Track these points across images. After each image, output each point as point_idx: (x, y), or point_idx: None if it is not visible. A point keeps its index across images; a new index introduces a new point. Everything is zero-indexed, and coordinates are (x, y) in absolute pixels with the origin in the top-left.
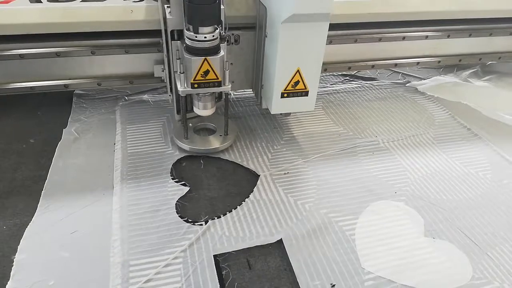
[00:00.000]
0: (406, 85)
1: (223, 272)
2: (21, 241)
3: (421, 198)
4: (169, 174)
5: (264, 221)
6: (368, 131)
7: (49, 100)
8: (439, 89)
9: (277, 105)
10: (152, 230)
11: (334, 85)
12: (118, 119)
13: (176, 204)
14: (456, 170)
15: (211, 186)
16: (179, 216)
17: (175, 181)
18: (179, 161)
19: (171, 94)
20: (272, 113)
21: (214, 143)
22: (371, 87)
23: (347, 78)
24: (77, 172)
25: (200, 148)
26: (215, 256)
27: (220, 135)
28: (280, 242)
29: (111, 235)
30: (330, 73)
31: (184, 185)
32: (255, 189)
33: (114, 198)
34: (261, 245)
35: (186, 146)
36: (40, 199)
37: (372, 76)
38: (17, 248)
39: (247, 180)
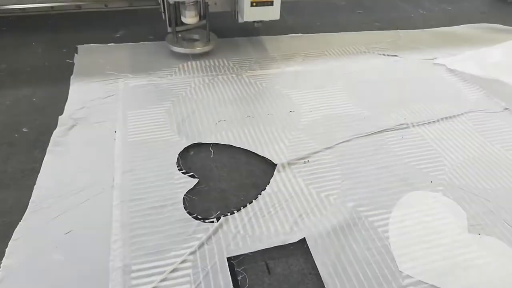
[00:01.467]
0: (434, 61)
1: (239, 278)
2: (9, 243)
3: (461, 188)
4: (176, 165)
5: (283, 217)
6: (395, 113)
7: (44, 82)
8: (469, 65)
9: (248, 13)
10: (157, 229)
11: (354, 62)
12: (118, 104)
13: (184, 198)
14: (497, 155)
15: (222, 177)
16: (187, 212)
17: (182, 173)
18: (186, 150)
19: (163, 11)
20: (244, 20)
21: (198, 46)
22: (395, 64)
23: (367, 52)
24: (73, 164)
25: (186, 49)
26: (228, 258)
27: (203, 41)
28: (302, 241)
29: (110, 235)
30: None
31: (192, 176)
32: (271, 180)
33: (114, 193)
34: (281, 245)
35: (176, 49)
36: (32, 194)
37: (395, 54)
38: (5, 250)
39: (262, 170)
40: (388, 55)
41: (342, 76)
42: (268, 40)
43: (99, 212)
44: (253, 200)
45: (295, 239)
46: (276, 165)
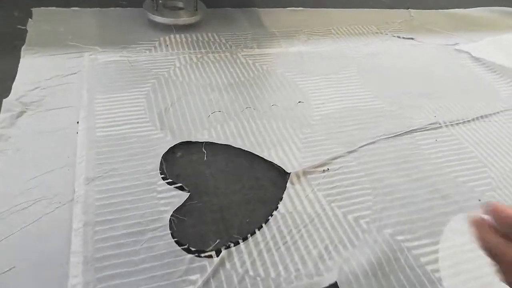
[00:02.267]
0: (455, 47)
1: None
2: None
3: None
4: (158, 171)
5: (304, 250)
6: (422, 108)
7: None
8: (496, 54)
9: None
10: (133, 268)
11: (366, 44)
12: (83, 85)
13: (170, 220)
14: None
15: (219, 189)
16: (175, 241)
17: (168, 182)
18: (172, 150)
19: None
20: None
21: (183, 15)
22: (413, 49)
23: (380, 33)
24: (20, 167)
25: (169, 18)
26: None
27: (189, 10)
28: (334, 287)
29: (68, 276)
30: (363, 28)
31: (180, 188)
32: (284, 194)
33: (74, 210)
34: None
35: (157, 18)
36: None
37: (411, 36)
38: None
39: (271, 180)
40: (403, 37)
41: (354, 60)
42: (265, 13)
43: (53, 240)
44: (263, 224)
45: (323, 283)
46: (288, 174)
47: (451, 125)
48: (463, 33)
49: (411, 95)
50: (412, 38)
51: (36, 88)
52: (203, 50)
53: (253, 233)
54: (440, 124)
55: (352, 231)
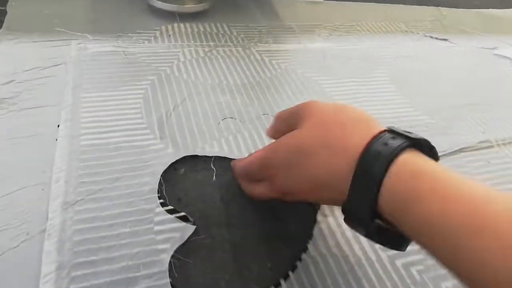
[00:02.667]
0: (494, 52)
1: None
2: None
3: None
4: (156, 194)
5: None
6: (467, 122)
7: None
8: None
9: None
10: None
11: (396, 44)
12: (67, 79)
13: (170, 263)
14: None
15: (232, 219)
16: None
17: (167, 210)
18: (173, 166)
19: None
20: None
21: (189, 2)
22: (448, 51)
23: (410, 33)
24: None
25: (173, 5)
26: None
27: None
28: None
29: None
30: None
31: (184, 219)
32: (314, 230)
33: (45, 246)
34: None
35: (158, 3)
36: None
37: (444, 37)
38: None
39: (294, 209)
40: (436, 38)
41: (383, 61)
42: (281, 4)
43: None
44: (289, 272)
45: None
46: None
47: (504, 144)
48: (501, 36)
49: (452, 106)
50: (446, 39)
51: (11, 81)
52: (211, 43)
53: (277, 285)
54: (491, 142)
55: (402, 282)
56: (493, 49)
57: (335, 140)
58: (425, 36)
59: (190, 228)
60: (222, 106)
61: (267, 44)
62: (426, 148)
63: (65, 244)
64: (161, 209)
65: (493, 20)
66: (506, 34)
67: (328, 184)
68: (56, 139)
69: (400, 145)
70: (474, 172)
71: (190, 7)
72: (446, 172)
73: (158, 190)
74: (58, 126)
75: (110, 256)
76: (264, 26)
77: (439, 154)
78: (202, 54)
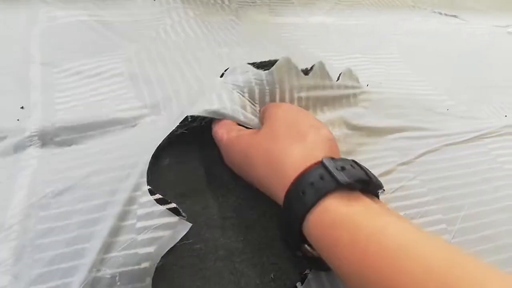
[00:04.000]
0: (508, 30)
1: None
2: None
3: None
4: (144, 179)
5: None
6: (488, 104)
7: None
8: None
9: None
10: None
11: (404, 20)
12: (35, 55)
13: (157, 270)
14: None
15: (227, 222)
16: None
17: (156, 200)
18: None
19: None
20: None
21: None
22: (459, 29)
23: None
24: None
25: None
26: None
27: None
28: None
29: None
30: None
31: (175, 211)
32: None
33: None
34: None
35: None
36: None
37: (454, 14)
38: None
39: None
40: (445, 14)
41: (392, 38)
42: None
43: None
44: (297, 284)
45: None
46: None
47: None
48: (511, 14)
49: (472, 87)
50: (455, 16)
51: None
52: (201, 8)
53: None
54: None
55: None
56: (506, 27)
57: (276, 158)
58: (434, 12)
59: (179, 232)
60: (222, 57)
61: (263, 15)
62: (360, 183)
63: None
64: (146, 199)
65: None
66: None
67: (268, 193)
68: (17, 120)
69: (324, 189)
70: (501, 160)
71: None
72: (366, 220)
73: (147, 179)
74: (23, 108)
75: (76, 264)
76: None
77: (462, 139)
78: (192, 15)
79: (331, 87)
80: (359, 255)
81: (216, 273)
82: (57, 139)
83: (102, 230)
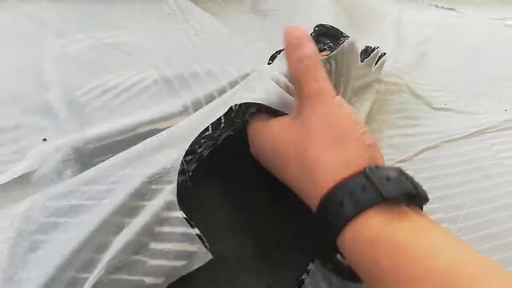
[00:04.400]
0: (505, 23)
1: None
2: None
3: None
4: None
5: None
6: (486, 98)
7: None
8: None
9: None
10: None
11: (399, 11)
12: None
13: None
14: None
15: (220, 226)
16: None
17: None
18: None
19: None
20: None
21: None
22: (457, 22)
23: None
24: None
25: None
26: None
27: None
28: None
29: None
30: None
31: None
32: None
33: None
34: None
35: None
36: None
37: (451, 7)
38: None
39: (298, 211)
40: (442, 7)
41: (389, 28)
42: None
43: None
44: None
45: None
46: None
47: None
48: (509, 7)
49: (470, 82)
50: (452, 9)
51: None
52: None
53: None
54: None
55: None
56: (504, 19)
57: (312, 159)
58: (430, 5)
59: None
60: None
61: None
62: (404, 196)
63: None
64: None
65: None
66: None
67: (300, 195)
68: None
69: (366, 202)
70: (501, 156)
71: None
72: (410, 240)
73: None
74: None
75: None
76: None
77: (462, 134)
78: (214, 21)
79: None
80: (402, 280)
81: (210, 281)
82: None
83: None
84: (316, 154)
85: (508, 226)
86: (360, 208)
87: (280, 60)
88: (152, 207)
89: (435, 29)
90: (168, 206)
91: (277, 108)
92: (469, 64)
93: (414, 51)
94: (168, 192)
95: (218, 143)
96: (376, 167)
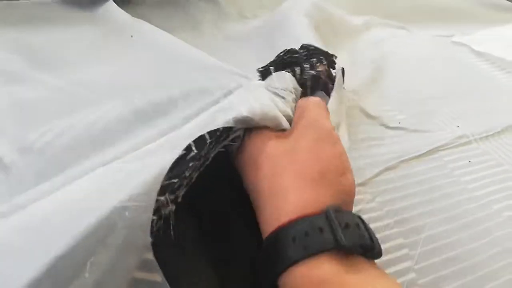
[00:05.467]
0: (452, 39)
1: None
2: None
3: None
4: None
5: None
6: (439, 115)
7: None
8: (499, 49)
9: None
10: None
11: (356, 31)
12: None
13: None
14: None
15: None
16: None
17: None
18: None
19: None
20: None
21: None
22: (405, 40)
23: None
24: None
25: None
26: None
27: None
28: None
29: None
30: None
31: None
32: None
33: None
34: None
35: None
36: None
37: (400, 24)
38: None
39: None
40: (392, 25)
41: (342, 49)
42: None
43: None
44: None
45: None
46: None
47: (480, 138)
48: (456, 25)
49: (421, 99)
50: (403, 27)
51: None
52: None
53: None
54: (468, 137)
55: None
56: (451, 36)
57: (284, 184)
58: (381, 24)
59: None
60: None
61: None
62: (359, 247)
63: None
64: None
65: (447, 9)
66: (460, 22)
67: (257, 210)
68: None
69: (320, 245)
70: (457, 173)
71: None
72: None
73: None
74: None
75: None
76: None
77: (416, 154)
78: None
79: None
80: None
81: None
82: None
83: None
84: (293, 183)
85: (468, 248)
86: (312, 251)
87: (279, 77)
88: None
89: (386, 47)
90: None
91: (270, 125)
92: (420, 81)
93: (366, 69)
94: None
95: (207, 162)
96: (338, 211)
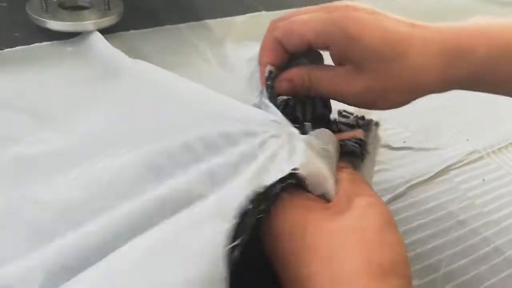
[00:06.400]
0: None
1: None
2: None
3: None
4: None
5: None
6: (446, 130)
7: None
8: None
9: None
10: None
11: None
12: None
13: None
14: None
15: None
16: None
17: None
18: None
19: None
20: None
21: (90, 17)
22: None
23: None
24: None
25: (68, 23)
26: None
27: (99, 10)
28: None
29: None
30: None
31: None
32: None
33: None
34: None
35: (47, 23)
36: None
37: None
38: None
39: None
40: None
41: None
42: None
43: None
44: None
45: None
46: None
47: (493, 152)
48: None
49: (422, 112)
50: None
51: None
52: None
53: None
54: (480, 152)
55: None
56: None
57: (349, 270)
58: None
59: None
60: None
61: None
62: None
63: None
64: None
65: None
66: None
67: None
68: None
69: None
70: (470, 195)
71: (92, 23)
72: None
73: None
74: None
75: None
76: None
77: (424, 178)
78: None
79: None
80: None
81: None
82: None
83: None
84: (362, 270)
85: (489, 284)
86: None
87: (320, 134)
88: None
89: None
90: None
91: (318, 190)
92: None
93: None
94: None
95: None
96: None
